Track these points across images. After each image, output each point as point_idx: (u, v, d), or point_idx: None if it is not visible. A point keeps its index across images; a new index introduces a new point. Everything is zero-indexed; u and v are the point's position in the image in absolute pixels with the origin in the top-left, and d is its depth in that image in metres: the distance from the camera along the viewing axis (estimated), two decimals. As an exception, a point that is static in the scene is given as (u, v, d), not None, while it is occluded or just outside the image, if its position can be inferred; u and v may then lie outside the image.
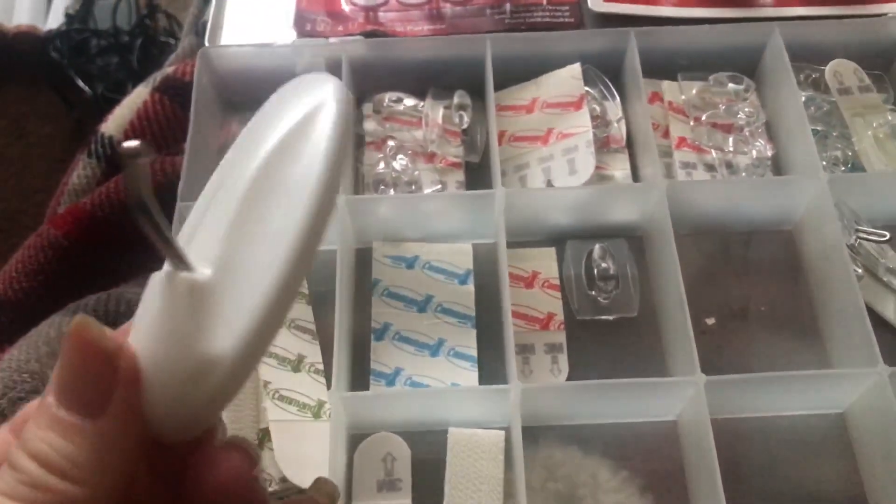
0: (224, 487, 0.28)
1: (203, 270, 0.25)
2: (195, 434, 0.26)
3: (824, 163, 0.58)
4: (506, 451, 0.52)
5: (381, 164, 0.60)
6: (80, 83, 1.20)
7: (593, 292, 0.57)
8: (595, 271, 0.57)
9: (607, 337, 0.57)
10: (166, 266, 0.26)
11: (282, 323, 0.25)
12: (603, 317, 0.57)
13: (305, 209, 0.25)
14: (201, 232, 0.28)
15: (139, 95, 0.69)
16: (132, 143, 0.23)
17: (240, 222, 0.26)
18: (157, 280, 0.27)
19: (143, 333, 0.26)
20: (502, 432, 0.53)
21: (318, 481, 0.31)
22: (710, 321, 0.57)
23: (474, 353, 0.56)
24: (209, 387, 0.25)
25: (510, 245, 0.55)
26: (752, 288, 0.58)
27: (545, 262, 0.59)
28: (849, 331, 0.53)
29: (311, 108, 0.27)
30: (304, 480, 0.50)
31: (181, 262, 0.26)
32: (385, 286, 0.58)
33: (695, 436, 0.51)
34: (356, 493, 0.51)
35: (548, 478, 0.52)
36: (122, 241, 0.63)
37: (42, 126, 1.22)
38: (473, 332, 0.56)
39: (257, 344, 0.24)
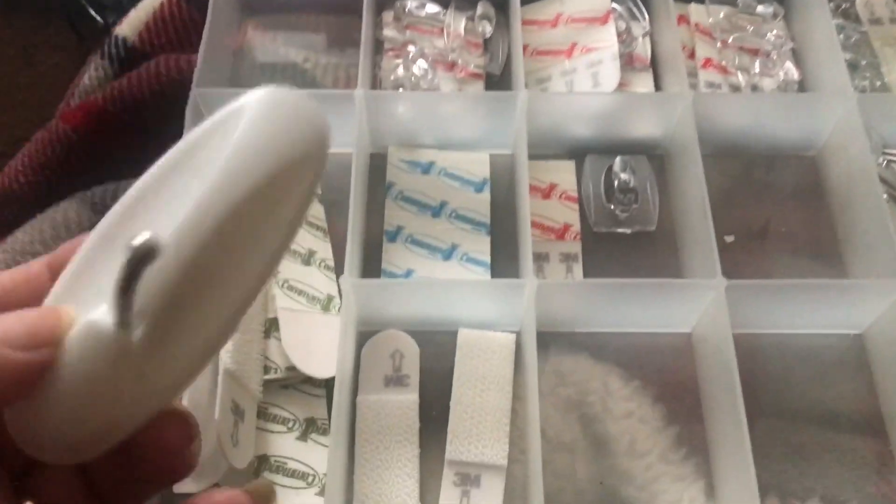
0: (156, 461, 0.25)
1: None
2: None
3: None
4: (516, 355, 0.51)
5: (401, 69, 0.59)
6: (92, 12, 1.18)
7: (611, 205, 0.56)
8: (615, 183, 0.56)
9: (623, 250, 0.55)
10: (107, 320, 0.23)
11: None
12: (620, 230, 0.56)
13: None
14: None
15: (156, -2, 0.68)
16: (146, 239, 0.21)
17: None
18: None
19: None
20: (513, 335, 0.51)
21: (256, 482, 0.29)
22: (730, 239, 0.55)
23: (487, 258, 0.54)
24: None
25: (529, 157, 0.54)
26: (773, 210, 0.57)
27: (564, 175, 0.58)
28: (871, 250, 0.51)
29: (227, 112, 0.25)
30: (311, 370, 0.49)
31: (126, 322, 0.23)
32: (399, 190, 0.57)
33: (712, 347, 0.49)
34: (363, 387, 0.50)
35: (558, 383, 0.51)
36: (132, 138, 0.62)
37: (51, 55, 1.20)
38: (487, 239, 0.55)
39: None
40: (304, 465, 0.47)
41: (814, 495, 0.48)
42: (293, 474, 0.46)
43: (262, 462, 0.46)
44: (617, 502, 0.47)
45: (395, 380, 0.50)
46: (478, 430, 0.48)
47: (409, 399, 0.49)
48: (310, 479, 0.46)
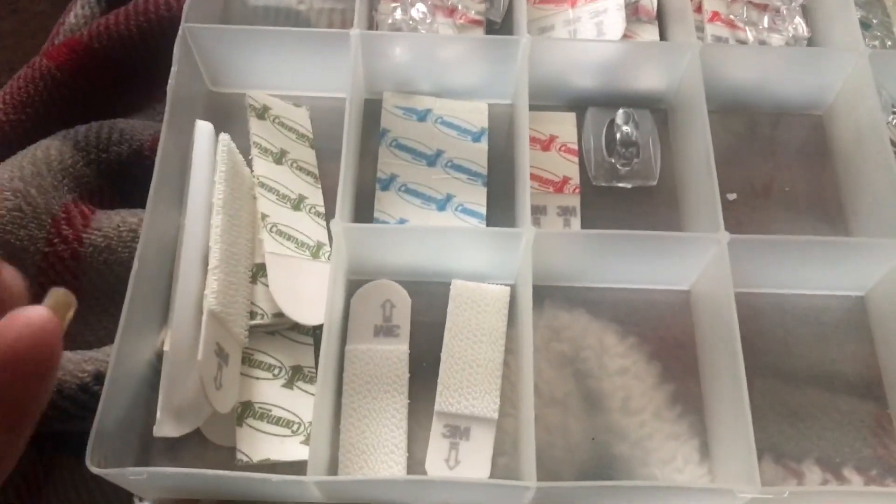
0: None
1: None
2: None
3: (864, 44, 0.55)
4: (510, 308, 0.50)
5: (398, 12, 0.57)
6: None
7: (612, 159, 0.55)
8: (617, 136, 0.54)
9: (623, 205, 0.54)
10: None
11: None
12: (620, 184, 0.54)
13: None
14: None
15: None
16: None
17: None
18: None
19: None
20: (508, 288, 0.50)
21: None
22: (732, 197, 0.54)
23: (483, 210, 0.53)
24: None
25: (529, 108, 0.52)
26: (777, 168, 0.56)
27: (564, 126, 0.56)
28: (877, 211, 0.50)
29: None
30: (299, 317, 0.47)
31: None
32: (394, 137, 0.55)
33: (711, 304, 0.48)
34: (352, 336, 0.48)
35: (552, 338, 0.50)
36: (118, 76, 0.60)
37: (36, 3, 1.18)
38: (484, 190, 0.54)
39: None
40: (290, 412, 0.45)
41: (809, 457, 0.47)
42: (278, 422, 0.45)
43: (247, 408, 0.45)
44: (609, 459, 0.46)
45: (386, 330, 0.49)
46: (468, 383, 0.47)
47: (398, 349, 0.48)
48: (295, 426, 0.45)
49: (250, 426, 0.44)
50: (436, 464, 0.45)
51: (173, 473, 0.40)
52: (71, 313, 0.26)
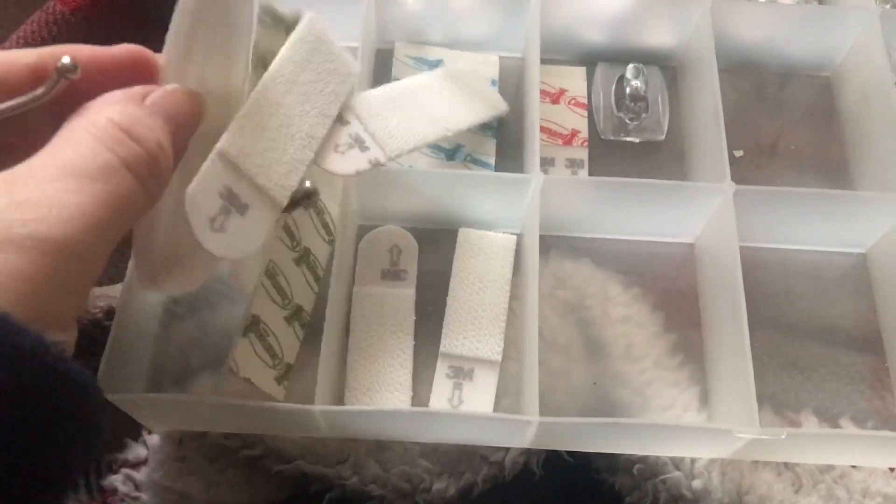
0: None
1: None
2: None
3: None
4: (516, 257, 0.50)
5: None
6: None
7: (621, 114, 0.55)
8: (626, 90, 0.55)
9: (631, 158, 0.54)
10: None
11: None
12: (628, 138, 0.55)
13: None
14: None
15: None
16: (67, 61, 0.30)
17: None
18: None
19: None
20: (514, 237, 0.51)
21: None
22: (739, 153, 0.55)
23: (492, 160, 0.53)
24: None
25: (540, 61, 0.52)
26: (784, 128, 0.56)
27: (574, 80, 0.57)
28: (881, 170, 0.51)
29: None
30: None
31: None
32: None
33: (715, 256, 0.49)
34: (359, 278, 0.49)
35: (557, 286, 0.50)
36: (132, 21, 0.60)
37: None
38: (493, 141, 0.54)
39: None
40: (279, 345, 0.45)
41: (807, 407, 0.48)
42: (268, 349, 0.44)
43: (256, 324, 0.43)
44: (610, 404, 0.47)
45: (393, 274, 0.50)
46: (473, 326, 0.48)
47: (405, 293, 0.49)
48: (276, 361, 0.45)
49: (251, 342, 0.43)
50: (439, 403, 0.46)
51: (181, 400, 0.41)
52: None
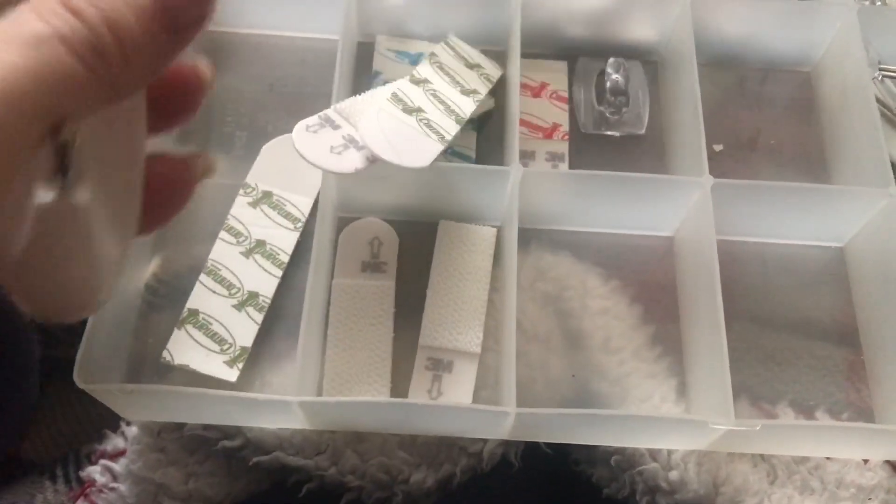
0: None
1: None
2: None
3: (854, 0, 0.56)
4: (496, 249, 0.50)
5: (394, -44, 0.57)
6: None
7: (601, 107, 0.55)
8: (607, 84, 0.55)
9: (611, 152, 0.55)
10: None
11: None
12: (609, 132, 0.55)
13: None
14: None
15: None
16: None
17: None
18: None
19: None
20: (494, 229, 0.51)
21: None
22: (718, 147, 0.55)
23: (473, 153, 0.54)
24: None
25: (521, 55, 0.52)
26: (764, 123, 0.56)
27: (555, 74, 0.57)
28: (859, 165, 0.51)
29: None
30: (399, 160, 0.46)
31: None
32: (385, 80, 0.55)
33: (694, 249, 0.49)
34: (339, 270, 0.49)
35: (537, 278, 0.51)
36: None
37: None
38: (474, 135, 0.54)
39: None
40: (227, 331, 0.47)
41: (784, 399, 0.48)
42: (213, 336, 0.46)
43: (192, 315, 0.47)
44: (588, 395, 0.47)
45: (373, 266, 0.50)
46: (453, 318, 0.48)
47: (385, 284, 0.49)
48: (225, 346, 0.46)
49: (187, 332, 0.46)
50: (419, 395, 0.46)
51: (158, 390, 0.41)
52: None
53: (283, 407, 0.41)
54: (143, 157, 0.27)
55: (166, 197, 0.28)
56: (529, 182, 0.47)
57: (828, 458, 0.46)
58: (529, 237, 0.51)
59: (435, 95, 0.49)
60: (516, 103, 0.49)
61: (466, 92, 0.52)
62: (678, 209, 0.50)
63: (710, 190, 0.47)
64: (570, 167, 0.54)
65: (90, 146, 0.24)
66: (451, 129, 0.48)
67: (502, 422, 0.42)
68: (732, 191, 0.47)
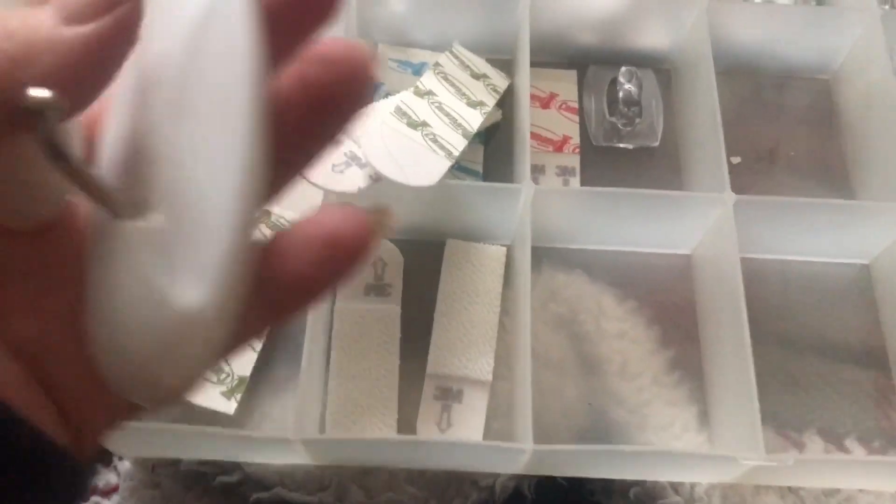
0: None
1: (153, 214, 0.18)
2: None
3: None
4: (506, 269, 0.48)
5: (395, -38, 0.55)
6: None
7: (613, 119, 0.53)
8: (619, 95, 0.53)
9: (624, 165, 0.52)
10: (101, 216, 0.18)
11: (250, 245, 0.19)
12: (622, 144, 0.52)
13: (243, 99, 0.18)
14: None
15: None
16: (41, 94, 0.16)
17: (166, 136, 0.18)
18: (99, 236, 0.19)
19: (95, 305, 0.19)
20: (504, 248, 0.48)
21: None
22: (736, 160, 0.52)
23: (480, 168, 0.51)
24: (192, 347, 0.18)
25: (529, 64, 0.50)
26: (782, 132, 0.54)
27: (565, 84, 0.55)
28: (884, 177, 0.49)
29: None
30: (404, 178, 0.44)
31: (118, 207, 0.18)
32: (388, 92, 0.53)
33: (714, 269, 0.47)
34: (341, 294, 0.47)
35: (549, 300, 0.48)
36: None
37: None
38: (481, 149, 0.52)
39: (233, 280, 0.18)
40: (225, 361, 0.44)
41: (811, 427, 0.46)
42: None
43: None
44: (605, 424, 0.45)
45: (377, 289, 0.47)
46: (462, 344, 0.45)
47: (390, 309, 0.46)
48: (222, 376, 0.44)
49: None
50: (427, 426, 0.44)
51: (151, 427, 0.39)
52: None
53: (283, 444, 0.38)
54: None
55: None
56: (541, 200, 0.45)
57: (860, 490, 0.44)
58: (541, 256, 0.49)
59: (440, 108, 0.47)
60: (526, 117, 0.47)
61: (473, 104, 0.49)
62: (697, 226, 0.47)
63: (733, 207, 0.44)
64: (582, 181, 0.51)
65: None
66: (459, 144, 0.46)
67: (518, 458, 0.39)
68: (755, 208, 0.45)
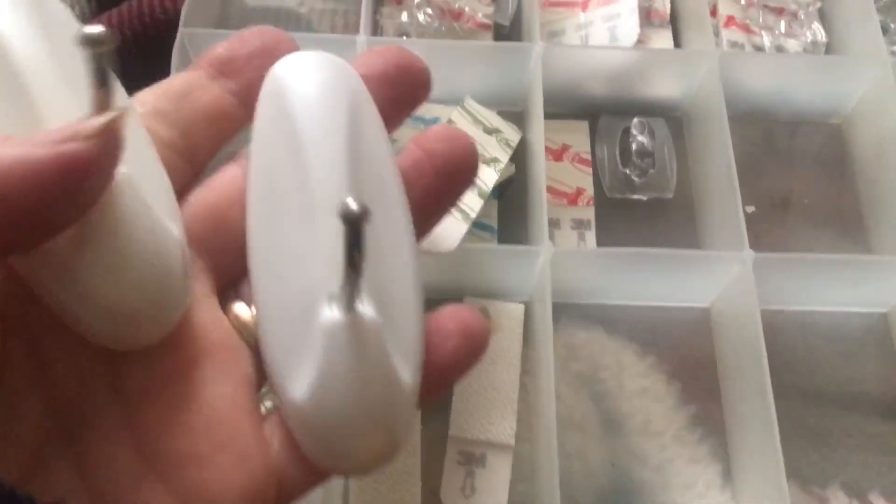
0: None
1: (366, 309, 0.20)
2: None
3: (885, 51, 0.53)
4: (525, 326, 0.48)
5: (404, 15, 0.55)
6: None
7: (627, 170, 0.53)
8: (632, 147, 0.53)
9: (639, 217, 0.52)
10: (332, 310, 0.20)
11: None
12: (636, 196, 0.52)
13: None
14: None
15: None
16: (95, 29, 0.17)
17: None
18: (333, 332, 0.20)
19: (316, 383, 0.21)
20: (522, 305, 0.48)
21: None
22: (751, 209, 0.52)
23: (495, 223, 0.51)
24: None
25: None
26: (796, 179, 0.54)
27: (576, 135, 0.55)
28: (900, 225, 0.49)
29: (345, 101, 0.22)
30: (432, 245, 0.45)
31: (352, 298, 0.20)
32: (401, 147, 0.53)
33: (734, 322, 0.47)
34: (360, 357, 0.46)
35: (569, 357, 0.48)
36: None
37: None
38: (495, 203, 0.52)
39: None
40: None
41: (835, 482, 0.45)
42: None
43: None
44: (629, 484, 0.45)
45: (396, 350, 0.47)
46: (484, 406, 0.45)
47: (410, 371, 0.46)
48: None
49: None
50: (451, 492, 0.43)
51: None
52: None
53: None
54: None
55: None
56: (559, 261, 0.45)
57: (887, 548, 0.43)
58: (559, 313, 0.49)
59: None
60: (542, 173, 0.47)
61: (487, 161, 0.49)
62: (715, 282, 0.47)
63: (752, 264, 0.44)
64: (597, 234, 0.51)
65: None
66: (475, 204, 0.46)
67: (546, 530, 0.39)
68: (773, 264, 0.45)
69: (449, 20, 0.56)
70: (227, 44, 0.24)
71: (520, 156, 0.53)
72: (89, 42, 0.17)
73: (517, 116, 0.55)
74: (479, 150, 0.49)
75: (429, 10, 0.55)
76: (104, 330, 0.19)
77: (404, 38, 0.54)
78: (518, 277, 0.47)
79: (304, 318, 0.21)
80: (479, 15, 0.56)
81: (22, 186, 0.16)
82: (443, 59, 0.52)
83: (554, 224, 0.51)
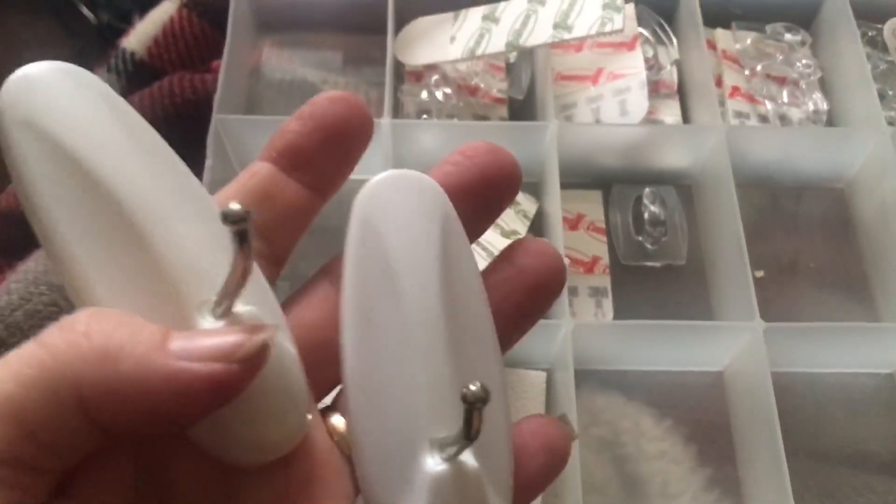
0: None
1: (468, 458, 0.21)
2: None
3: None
4: (546, 394, 0.50)
5: (424, 93, 0.58)
6: (84, 10, 1.14)
7: (640, 238, 0.55)
8: (645, 215, 0.55)
9: (653, 284, 0.55)
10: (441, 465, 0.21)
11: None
12: (649, 263, 0.55)
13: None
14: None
15: (165, 11, 0.66)
16: (235, 207, 0.18)
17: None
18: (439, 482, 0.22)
19: None
20: (544, 373, 0.51)
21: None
22: (759, 274, 0.55)
23: (515, 292, 0.53)
24: None
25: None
26: (802, 244, 0.57)
27: (591, 204, 0.57)
28: (903, 289, 0.51)
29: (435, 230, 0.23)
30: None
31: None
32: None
33: (746, 386, 0.49)
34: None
35: (590, 423, 0.50)
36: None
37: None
38: (514, 272, 0.54)
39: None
40: None
41: (847, 539, 0.48)
42: None
43: None
44: (651, 547, 0.47)
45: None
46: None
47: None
48: None
49: None
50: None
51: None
52: None
53: None
54: None
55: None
56: (578, 332, 0.47)
57: None
58: (578, 379, 0.51)
59: (478, 243, 0.49)
60: (560, 244, 0.49)
61: (507, 234, 0.52)
62: (728, 348, 0.50)
63: (763, 334, 0.47)
64: (613, 301, 0.53)
65: None
66: None
67: None
68: (784, 332, 0.47)
69: (466, 96, 0.59)
70: (294, 129, 0.24)
71: (537, 226, 0.55)
72: (229, 220, 0.18)
73: (532, 187, 0.57)
74: (500, 223, 0.52)
75: (447, 89, 0.57)
76: (234, 454, 0.20)
77: (424, 116, 0.57)
78: (540, 348, 0.49)
79: (403, 456, 0.21)
80: (495, 90, 0.59)
81: (172, 400, 0.17)
82: (462, 138, 0.54)
83: (572, 292, 0.54)
